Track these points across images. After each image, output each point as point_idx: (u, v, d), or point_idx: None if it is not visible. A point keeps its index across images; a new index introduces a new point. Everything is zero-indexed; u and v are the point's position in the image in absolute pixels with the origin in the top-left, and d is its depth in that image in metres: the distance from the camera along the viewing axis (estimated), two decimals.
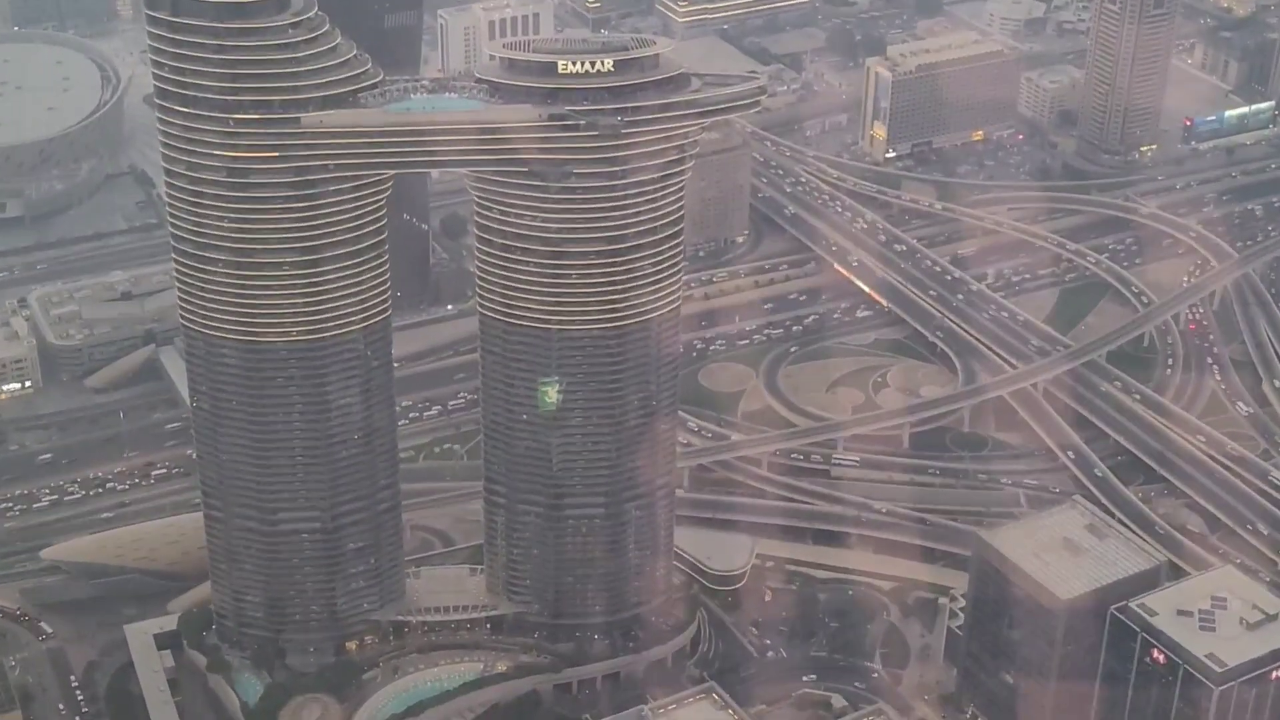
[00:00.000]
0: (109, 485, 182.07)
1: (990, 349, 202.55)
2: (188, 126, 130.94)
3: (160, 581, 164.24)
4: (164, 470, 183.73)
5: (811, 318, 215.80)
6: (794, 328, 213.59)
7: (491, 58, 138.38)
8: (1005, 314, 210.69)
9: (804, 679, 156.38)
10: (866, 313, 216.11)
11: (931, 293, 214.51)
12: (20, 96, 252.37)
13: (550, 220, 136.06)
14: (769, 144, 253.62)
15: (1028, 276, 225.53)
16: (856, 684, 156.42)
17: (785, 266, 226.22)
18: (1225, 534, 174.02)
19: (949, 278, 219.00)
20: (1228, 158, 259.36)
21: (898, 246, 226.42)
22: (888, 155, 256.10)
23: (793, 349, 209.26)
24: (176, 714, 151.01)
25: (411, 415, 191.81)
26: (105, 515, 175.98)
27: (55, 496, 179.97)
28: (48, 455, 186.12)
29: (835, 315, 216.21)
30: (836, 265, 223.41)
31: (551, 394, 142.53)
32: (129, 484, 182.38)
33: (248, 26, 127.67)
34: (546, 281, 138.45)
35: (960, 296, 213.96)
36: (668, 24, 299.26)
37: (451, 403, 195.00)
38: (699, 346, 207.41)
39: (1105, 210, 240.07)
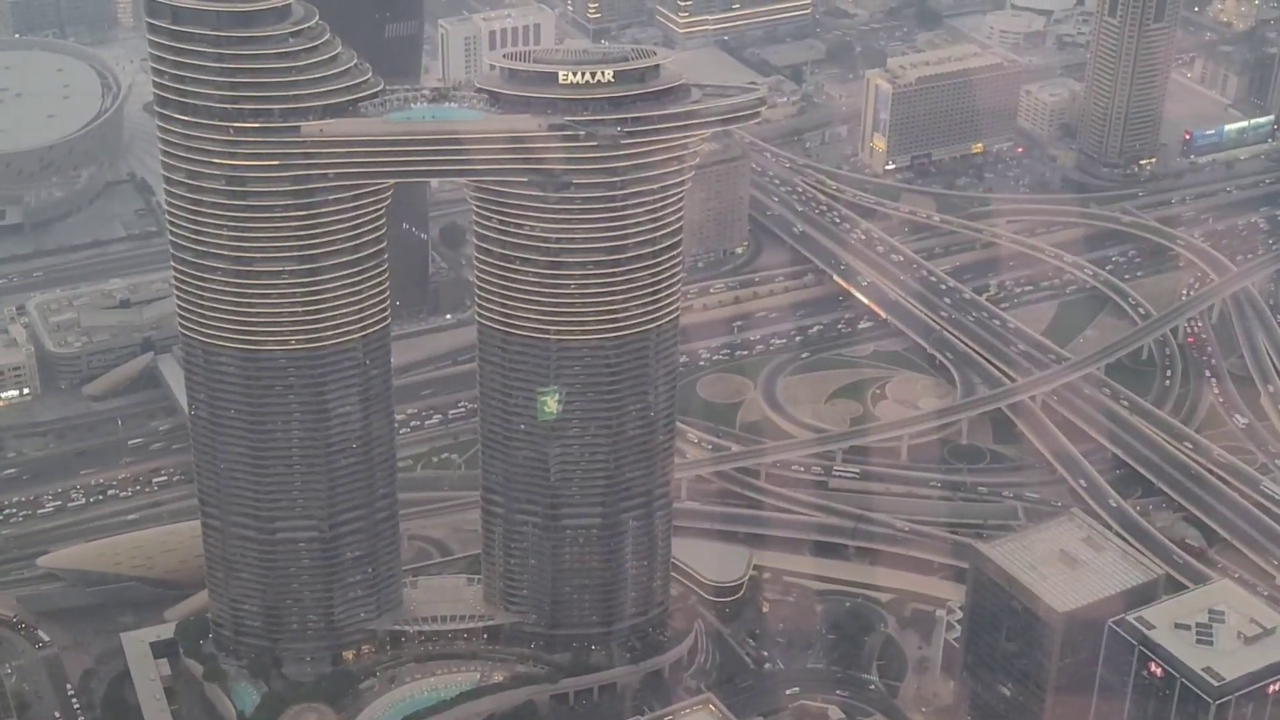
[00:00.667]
0: (110, 492, 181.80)
1: (989, 361, 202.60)
2: (188, 135, 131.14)
3: (157, 590, 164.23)
4: (165, 478, 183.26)
5: (816, 328, 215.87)
6: (798, 338, 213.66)
7: (492, 68, 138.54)
8: (997, 322, 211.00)
9: (786, 692, 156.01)
10: (867, 324, 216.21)
11: (930, 305, 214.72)
12: (21, 104, 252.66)
13: (550, 230, 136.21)
14: (769, 155, 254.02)
15: (1028, 289, 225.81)
16: (838, 691, 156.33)
17: (782, 278, 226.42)
18: (1223, 547, 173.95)
19: (943, 286, 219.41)
20: (1227, 171, 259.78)
21: (895, 257, 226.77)
22: (887, 167, 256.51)
23: (805, 355, 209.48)
24: None
25: (414, 424, 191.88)
26: (101, 522, 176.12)
27: (59, 503, 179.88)
28: (12, 470, 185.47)
29: (839, 325, 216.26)
30: (835, 277, 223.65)
31: (551, 403, 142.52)
32: (132, 490, 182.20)
33: (248, 35, 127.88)
34: (545, 291, 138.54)
35: (957, 308, 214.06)
36: (668, 35, 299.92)
37: (452, 412, 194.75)
38: (705, 356, 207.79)
39: (1104, 223, 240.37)
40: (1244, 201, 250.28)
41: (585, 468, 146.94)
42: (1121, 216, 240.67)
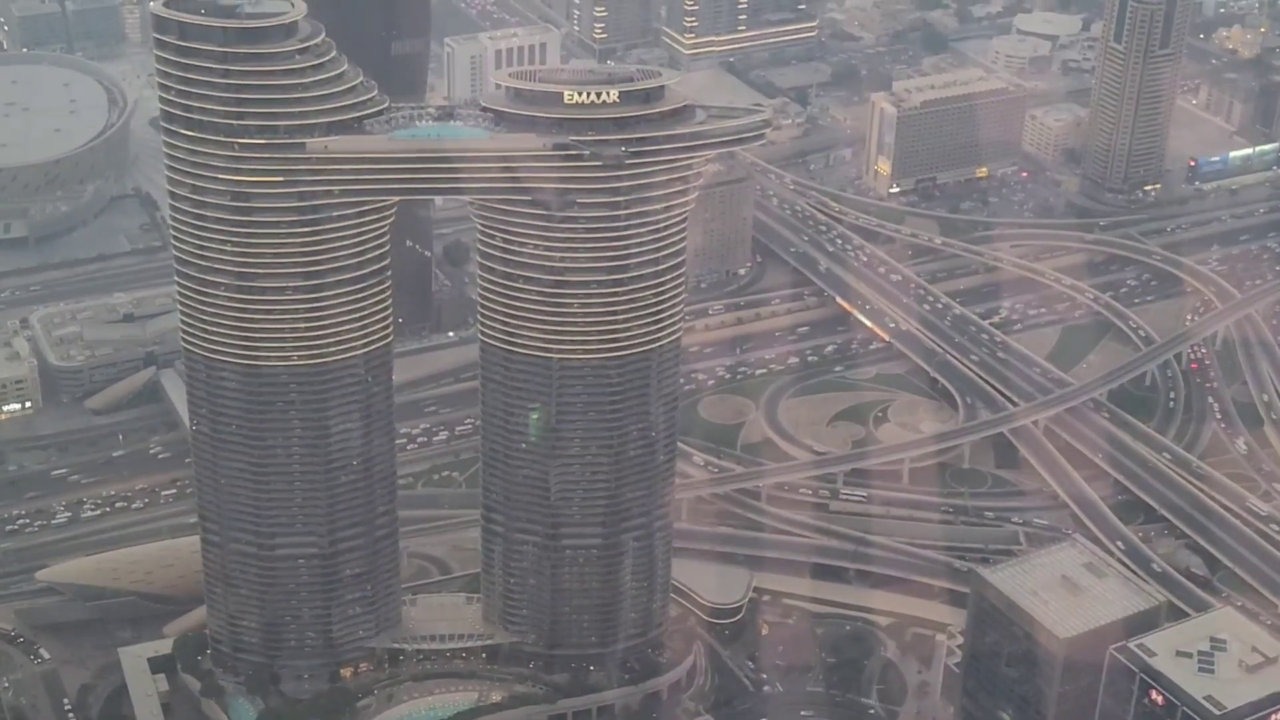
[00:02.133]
0: (118, 505, 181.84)
1: (992, 386, 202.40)
2: (193, 150, 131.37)
3: (156, 605, 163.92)
4: (175, 490, 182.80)
5: (830, 347, 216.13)
6: (811, 357, 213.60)
7: (497, 86, 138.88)
8: (993, 342, 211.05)
9: None
10: (871, 347, 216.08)
11: (933, 329, 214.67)
12: (27, 118, 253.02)
13: (553, 249, 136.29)
14: (773, 177, 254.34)
15: (1031, 314, 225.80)
16: (803, 713, 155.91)
17: (776, 302, 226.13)
18: (1226, 575, 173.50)
19: (938, 305, 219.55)
20: (1231, 198, 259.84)
21: (894, 277, 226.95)
22: (891, 190, 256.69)
23: (836, 370, 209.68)
24: None
25: (420, 440, 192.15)
26: (102, 536, 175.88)
27: (70, 513, 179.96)
28: (12, 483, 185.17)
29: (854, 346, 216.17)
30: (839, 300, 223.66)
31: (540, 422, 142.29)
32: (141, 504, 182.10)
33: (254, 52, 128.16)
34: (548, 310, 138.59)
35: (960, 332, 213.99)
36: (674, 56, 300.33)
37: (459, 428, 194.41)
38: (722, 373, 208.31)
39: (1109, 249, 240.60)
40: (1249, 228, 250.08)
41: (586, 488, 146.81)
42: (1085, 235, 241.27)
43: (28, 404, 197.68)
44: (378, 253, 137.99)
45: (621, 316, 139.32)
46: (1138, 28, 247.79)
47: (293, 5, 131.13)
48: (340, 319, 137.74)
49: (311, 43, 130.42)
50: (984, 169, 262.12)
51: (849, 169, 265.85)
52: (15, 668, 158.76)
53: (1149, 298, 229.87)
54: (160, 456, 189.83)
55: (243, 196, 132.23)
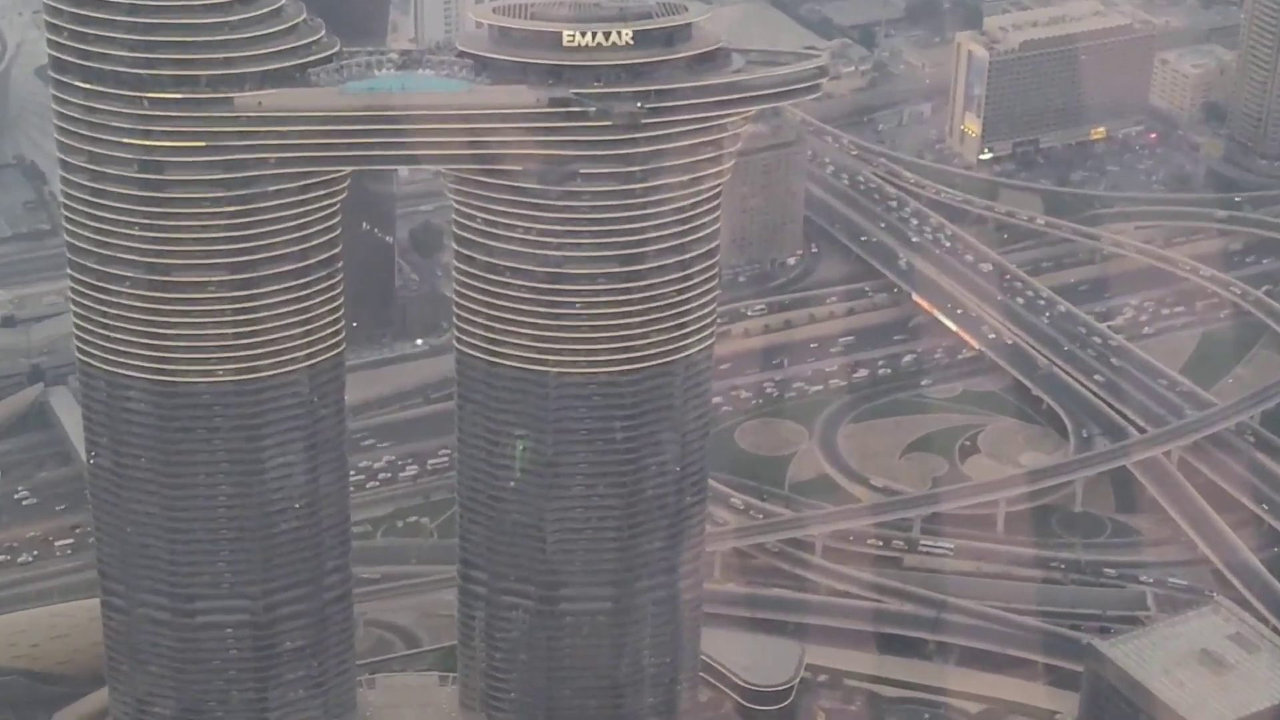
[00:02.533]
0: None
1: (1111, 406, 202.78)
2: (91, 107, 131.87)
3: (46, 686, 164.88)
4: (71, 540, 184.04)
5: (908, 357, 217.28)
6: (882, 369, 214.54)
7: (478, 26, 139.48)
8: (1122, 354, 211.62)
9: None
10: (956, 357, 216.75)
11: (1036, 334, 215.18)
12: None
13: (549, 235, 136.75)
14: (830, 140, 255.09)
15: (1163, 314, 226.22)
16: None
17: (834, 299, 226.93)
18: None
19: (1032, 300, 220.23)
20: None
21: (984, 267, 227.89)
22: (982, 156, 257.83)
23: (924, 383, 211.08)
24: None
25: (382, 475, 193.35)
26: None
27: None
28: None
29: (936, 354, 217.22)
30: (916, 297, 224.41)
31: (533, 453, 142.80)
32: (28, 557, 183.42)
33: None
34: (543, 312, 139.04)
35: (1071, 337, 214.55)
36: None
37: (431, 461, 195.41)
38: (769, 390, 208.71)
39: (1261, 231, 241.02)
40: None
41: (591, 537, 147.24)
42: (1229, 214, 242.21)
43: None
44: (326, 239, 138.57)
45: (636, 320, 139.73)
46: None
47: None
48: (278, 323, 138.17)
49: None
50: (1101, 129, 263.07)
51: (928, 129, 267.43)
52: None
53: None
54: (46, 498, 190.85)
55: (154, 166, 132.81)
